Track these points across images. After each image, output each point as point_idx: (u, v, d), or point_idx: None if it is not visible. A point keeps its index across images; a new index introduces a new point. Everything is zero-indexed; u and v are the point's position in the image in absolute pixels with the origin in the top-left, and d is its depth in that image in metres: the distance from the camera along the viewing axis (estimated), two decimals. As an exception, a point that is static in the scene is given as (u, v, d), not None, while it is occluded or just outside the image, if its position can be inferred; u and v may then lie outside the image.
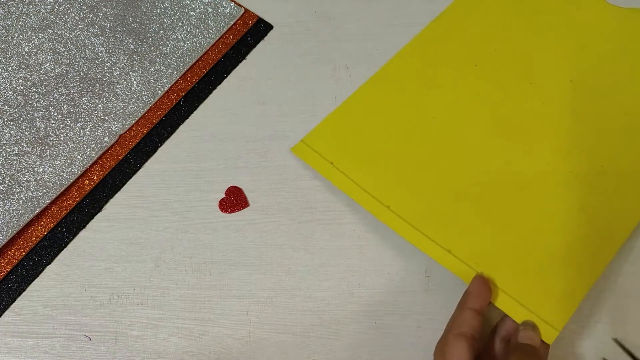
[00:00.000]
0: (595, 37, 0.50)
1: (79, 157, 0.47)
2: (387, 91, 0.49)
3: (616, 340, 0.40)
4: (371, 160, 0.46)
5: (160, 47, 0.51)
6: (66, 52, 0.50)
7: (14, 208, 0.45)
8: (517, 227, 0.42)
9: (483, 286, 0.39)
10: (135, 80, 0.50)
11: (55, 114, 0.48)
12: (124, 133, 0.48)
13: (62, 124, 0.48)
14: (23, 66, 0.50)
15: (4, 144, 0.47)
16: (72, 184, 0.46)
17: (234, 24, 0.52)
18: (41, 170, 0.46)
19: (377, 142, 0.46)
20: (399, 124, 0.47)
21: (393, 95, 0.48)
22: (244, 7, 0.53)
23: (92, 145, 0.47)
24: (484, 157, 0.45)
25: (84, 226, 0.46)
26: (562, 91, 0.48)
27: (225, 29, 0.52)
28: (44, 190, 0.45)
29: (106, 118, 0.48)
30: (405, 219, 0.43)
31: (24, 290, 0.44)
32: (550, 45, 0.50)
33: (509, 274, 0.40)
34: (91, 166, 0.47)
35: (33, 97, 0.48)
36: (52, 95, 0.49)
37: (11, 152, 0.46)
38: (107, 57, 0.50)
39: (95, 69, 0.50)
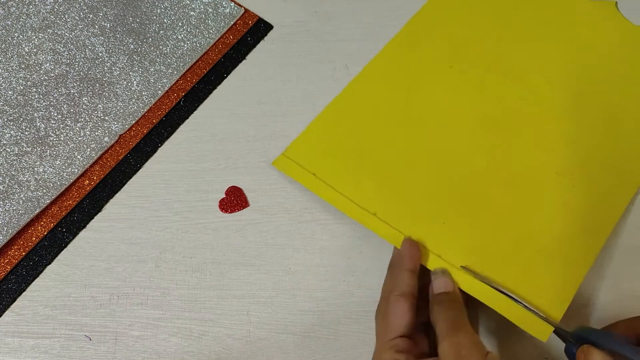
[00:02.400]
0: (573, 33, 0.50)
1: (79, 157, 0.47)
2: (365, 97, 0.48)
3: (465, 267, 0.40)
4: (354, 168, 0.45)
5: (160, 47, 0.51)
6: (66, 52, 0.50)
7: (14, 208, 0.45)
8: (506, 227, 0.42)
9: (414, 247, 0.40)
10: (135, 80, 0.50)
11: (55, 114, 0.48)
12: (124, 133, 0.48)
13: (62, 124, 0.48)
14: (23, 66, 0.50)
15: (4, 144, 0.47)
16: (72, 184, 0.46)
17: (234, 24, 0.52)
18: (41, 170, 0.46)
19: (358, 149, 0.46)
20: (380, 129, 0.46)
21: (371, 101, 0.48)
22: (244, 7, 0.53)
23: (92, 145, 0.47)
24: (468, 158, 0.45)
25: (84, 226, 0.46)
26: (541, 88, 0.47)
27: (225, 29, 0.52)
28: (44, 190, 0.45)
29: (106, 118, 0.48)
30: (393, 226, 0.42)
31: (24, 290, 0.44)
32: (529, 42, 0.50)
33: (500, 274, 0.40)
34: (91, 166, 0.47)
35: (33, 97, 0.48)
36: (52, 95, 0.49)
37: (11, 152, 0.46)
38: (107, 57, 0.50)
39: (95, 69, 0.50)
